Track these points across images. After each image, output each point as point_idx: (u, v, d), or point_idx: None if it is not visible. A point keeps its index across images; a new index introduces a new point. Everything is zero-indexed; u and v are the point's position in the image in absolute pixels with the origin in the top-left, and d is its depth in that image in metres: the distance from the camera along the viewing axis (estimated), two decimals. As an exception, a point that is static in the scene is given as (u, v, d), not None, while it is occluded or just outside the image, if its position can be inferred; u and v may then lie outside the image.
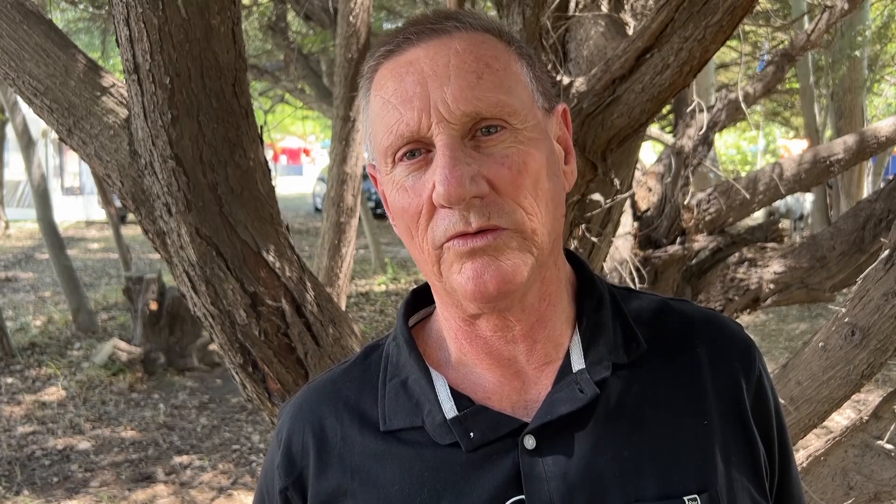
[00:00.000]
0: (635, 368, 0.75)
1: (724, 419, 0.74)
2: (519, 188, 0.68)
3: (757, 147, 21.44)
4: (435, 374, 0.76)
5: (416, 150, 0.69)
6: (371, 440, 0.75)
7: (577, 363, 0.74)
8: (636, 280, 2.69)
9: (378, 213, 15.23)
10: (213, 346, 3.59)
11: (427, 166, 0.69)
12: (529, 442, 0.70)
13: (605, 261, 2.37)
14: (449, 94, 0.67)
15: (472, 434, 0.72)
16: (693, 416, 0.74)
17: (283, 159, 31.30)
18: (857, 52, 7.48)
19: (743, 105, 3.03)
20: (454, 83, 0.67)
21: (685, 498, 0.69)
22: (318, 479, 0.76)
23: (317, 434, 0.78)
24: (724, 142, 21.41)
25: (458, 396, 0.74)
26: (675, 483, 0.70)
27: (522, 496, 0.69)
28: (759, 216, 10.92)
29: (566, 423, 0.71)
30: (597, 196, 1.99)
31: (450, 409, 0.73)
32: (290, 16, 8.26)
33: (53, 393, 6.27)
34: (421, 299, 0.85)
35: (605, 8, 2.29)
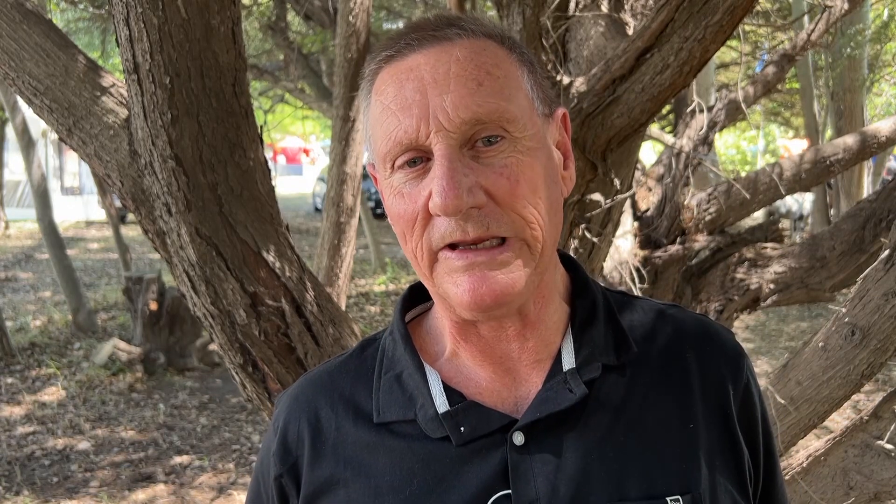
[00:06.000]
0: (625, 371, 0.77)
1: (711, 424, 0.76)
2: (517, 198, 0.69)
3: (757, 147, 21.42)
4: (429, 369, 0.78)
5: (417, 158, 0.69)
6: (364, 431, 0.77)
7: (568, 363, 0.76)
8: (636, 280, 2.68)
9: (378, 212, 15.22)
10: (213, 346, 3.59)
11: (425, 174, 0.69)
12: (518, 438, 0.72)
13: (605, 261, 2.37)
14: (449, 103, 0.67)
15: (462, 428, 0.73)
16: (680, 420, 0.75)
17: (283, 159, 31.30)
18: (857, 53, 7.47)
19: (743, 105, 3.03)
20: (454, 91, 0.68)
21: (668, 498, 0.71)
22: (312, 467, 0.78)
23: (312, 424, 0.79)
24: (724, 142, 21.38)
25: (450, 391, 0.76)
26: (659, 484, 0.71)
27: (509, 491, 0.71)
28: (759, 216, 10.91)
29: (555, 421, 0.73)
30: (597, 196, 1.99)
31: (442, 404, 0.75)
32: (290, 16, 8.26)
33: (53, 393, 6.27)
34: (418, 295, 0.87)
35: (605, 8, 2.29)
